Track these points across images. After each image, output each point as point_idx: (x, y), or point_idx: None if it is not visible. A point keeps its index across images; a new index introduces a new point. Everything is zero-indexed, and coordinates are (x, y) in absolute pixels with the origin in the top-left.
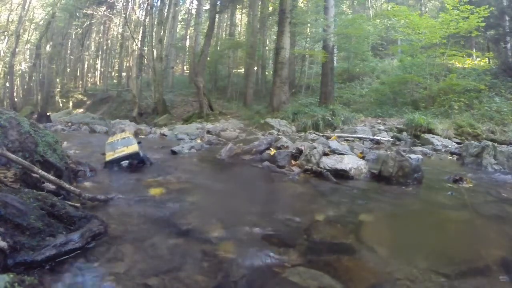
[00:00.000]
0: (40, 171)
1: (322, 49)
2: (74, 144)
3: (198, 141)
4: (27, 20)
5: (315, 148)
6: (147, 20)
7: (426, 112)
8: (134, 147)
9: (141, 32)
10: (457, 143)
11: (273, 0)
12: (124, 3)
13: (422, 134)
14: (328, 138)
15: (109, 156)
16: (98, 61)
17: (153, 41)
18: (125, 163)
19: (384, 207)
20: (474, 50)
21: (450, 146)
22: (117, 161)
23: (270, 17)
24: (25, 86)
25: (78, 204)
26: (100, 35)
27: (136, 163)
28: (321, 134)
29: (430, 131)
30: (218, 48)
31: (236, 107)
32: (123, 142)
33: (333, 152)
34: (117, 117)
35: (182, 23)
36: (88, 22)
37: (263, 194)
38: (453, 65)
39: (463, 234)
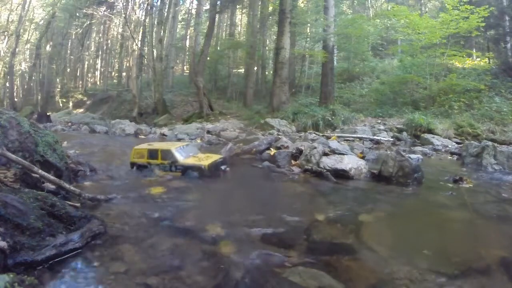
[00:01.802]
0: (40, 171)
1: (322, 49)
2: (74, 144)
3: (198, 141)
4: (27, 20)
5: (315, 148)
6: (147, 20)
7: (426, 112)
8: (218, 155)
9: (141, 32)
10: (457, 143)
11: (273, 0)
12: (124, 3)
13: (422, 134)
14: (328, 138)
15: (199, 160)
16: (98, 61)
17: (153, 41)
18: (224, 167)
19: (384, 207)
20: (474, 50)
21: (450, 146)
22: (219, 164)
23: (270, 17)
24: (25, 86)
25: (78, 204)
26: (100, 35)
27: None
28: (321, 134)
29: (430, 131)
30: (218, 48)
31: (236, 107)
32: (192, 149)
33: (333, 152)
34: (117, 117)
35: (182, 23)
36: (88, 22)
37: (263, 194)
38: (453, 65)
39: (463, 234)
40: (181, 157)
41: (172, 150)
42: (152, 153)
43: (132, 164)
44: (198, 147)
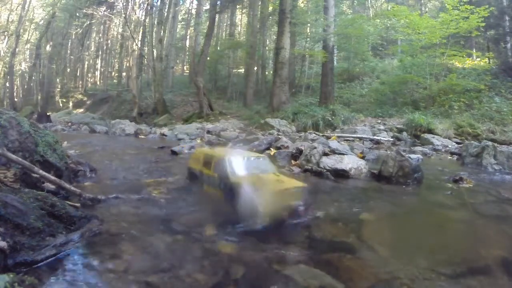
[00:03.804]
0: (40, 171)
1: (322, 49)
2: (74, 144)
3: (198, 141)
4: (27, 20)
5: (315, 148)
6: (147, 20)
7: (426, 112)
8: (296, 182)
9: (141, 32)
10: (457, 143)
11: (273, 0)
12: (124, 3)
13: (422, 134)
14: (328, 138)
15: (259, 184)
16: (98, 61)
17: (153, 41)
18: (299, 205)
19: (385, 206)
20: (474, 50)
21: (450, 146)
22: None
23: (270, 17)
24: (25, 86)
25: (78, 204)
26: (100, 35)
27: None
28: (321, 134)
29: (430, 131)
30: (218, 48)
31: (236, 107)
32: (263, 166)
33: (333, 152)
34: (117, 117)
35: (182, 23)
36: (88, 22)
37: None
38: (453, 65)
39: (463, 233)
40: (235, 173)
41: (225, 159)
42: (207, 160)
43: (189, 171)
44: (274, 166)
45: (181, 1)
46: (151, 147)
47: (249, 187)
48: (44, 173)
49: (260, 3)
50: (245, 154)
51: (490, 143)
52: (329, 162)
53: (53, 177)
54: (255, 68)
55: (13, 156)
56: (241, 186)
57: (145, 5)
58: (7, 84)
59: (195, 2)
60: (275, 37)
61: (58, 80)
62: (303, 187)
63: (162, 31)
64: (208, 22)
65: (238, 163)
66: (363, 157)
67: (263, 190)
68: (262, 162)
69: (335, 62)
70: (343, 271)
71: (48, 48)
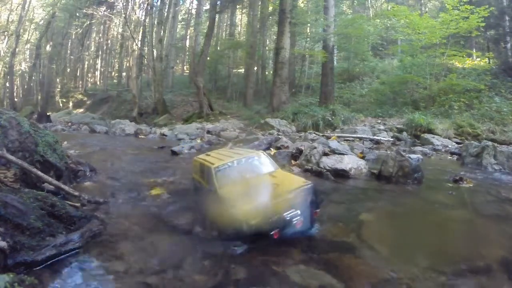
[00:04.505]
0: (39, 173)
1: (322, 49)
2: (74, 144)
3: (198, 141)
4: (27, 20)
5: (315, 148)
6: (147, 20)
7: (426, 112)
8: (297, 181)
9: (141, 32)
10: (457, 143)
11: (273, 0)
12: (124, 3)
13: (422, 134)
14: (328, 138)
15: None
16: (98, 61)
17: (153, 41)
18: (295, 215)
19: (385, 206)
20: (474, 50)
21: (450, 146)
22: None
23: (270, 17)
24: (25, 86)
25: (78, 204)
26: (100, 35)
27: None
28: (321, 134)
29: (430, 131)
30: (218, 48)
31: (236, 107)
32: (256, 166)
33: (333, 152)
34: (117, 117)
35: (182, 23)
36: (88, 22)
37: None
38: (453, 65)
39: (463, 233)
40: (222, 182)
41: (211, 168)
42: (202, 169)
43: (193, 182)
44: (273, 164)
45: (181, 1)
46: (151, 147)
47: (233, 199)
48: (42, 174)
49: (260, 3)
50: (236, 156)
51: (490, 143)
52: (329, 162)
53: (51, 179)
54: (255, 68)
55: (13, 158)
56: (225, 199)
57: (145, 5)
58: (7, 84)
59: (195, 2)
60: (275, 37)
61: (58, 80)
62: (305, 188)
63: (162, 31)
64: (208, 22)
65: (226, 170)
66: (363, 157)
67: (249, 201)
68: (257, 162)
69: (335, 62)
70: (343, 271)
71: (48, 48)
